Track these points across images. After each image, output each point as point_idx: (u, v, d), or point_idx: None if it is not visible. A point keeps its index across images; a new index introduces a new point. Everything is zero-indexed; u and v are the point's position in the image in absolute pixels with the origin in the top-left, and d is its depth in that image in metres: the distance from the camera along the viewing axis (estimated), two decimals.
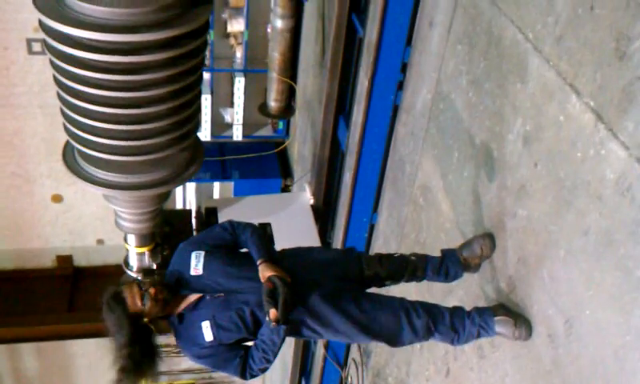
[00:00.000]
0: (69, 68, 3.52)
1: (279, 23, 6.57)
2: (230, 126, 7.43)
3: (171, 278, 2.68)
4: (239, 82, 7.19)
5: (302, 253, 2.89)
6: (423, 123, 3.68)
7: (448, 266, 2.95)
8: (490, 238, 2.88)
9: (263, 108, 7.26)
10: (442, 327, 2.72)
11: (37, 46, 6.71)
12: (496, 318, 2.67)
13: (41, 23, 3.48)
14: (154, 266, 4.61)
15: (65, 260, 8.51)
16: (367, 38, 3.94)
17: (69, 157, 4.17)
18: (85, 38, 3.35)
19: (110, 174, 3.98)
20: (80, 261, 8.63)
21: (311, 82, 6.32)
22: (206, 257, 2.64)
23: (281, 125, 7.67)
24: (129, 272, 4.65)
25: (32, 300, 8.21)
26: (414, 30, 3.80)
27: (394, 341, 2.76)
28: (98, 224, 8.27)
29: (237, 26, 7.25)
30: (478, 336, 2.73)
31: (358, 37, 4.72)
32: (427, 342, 2.94)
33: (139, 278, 2.86)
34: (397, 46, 3.88)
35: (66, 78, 3.58)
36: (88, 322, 7.80)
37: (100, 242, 8.44)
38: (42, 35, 6.02)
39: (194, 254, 2.65)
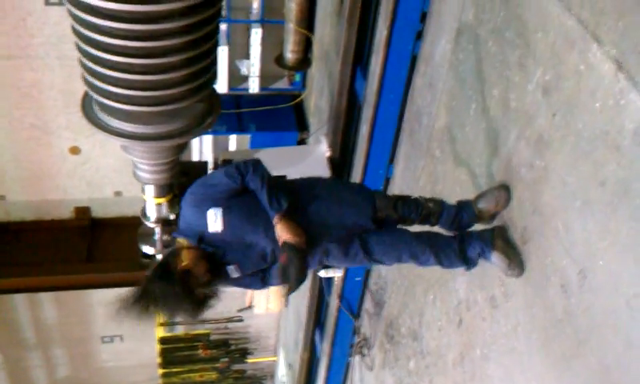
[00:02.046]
0: (87, 17, 3.51)
1: None
2: (246, 78, 7.40)
3: (193, 237, 2.68)
4: (256, 34, 7.12)
5: (317, 190, 2.86)
6: (442, 74, 3.65)
7: (462, 216, 2.97)
8: (505, 190, 2.88)
9: (280, 60, 7.21)
10: (447, 261, 2.89)
11: None
12: (494, 253, 2.82)
13: None
14: (172, 217, 4.67)
15: (83, 211, 8.63)
16: None
17: (87, 108, 4.20)
18: None
19: (127, 124, 3.99)
20: (98, 212, 8.75)
21: (328, 33, 6.25)
22: (223, 213, 2.65)
23: (297, 77, 7.63)
24: (146, 223, 4.72)
25: (51, 250, 8.39)
26: None
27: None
28: (116, 176, 8.35)
29: None
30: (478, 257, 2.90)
31: None
32: None
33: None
34: None
35: (84, 28, 3.57)
36: (106, 272, 7.98)
37: (118, 193, 8.53)
38: None
39: (211, 212, 2.65)
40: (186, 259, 2.59)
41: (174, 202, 4.71)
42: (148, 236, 4.85)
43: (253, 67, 7.27)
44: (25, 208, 8.46)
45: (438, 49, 3.71)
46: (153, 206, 4.67)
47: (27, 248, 8.37)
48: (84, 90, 4.13)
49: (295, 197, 2.73)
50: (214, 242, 2.69)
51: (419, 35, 3.94)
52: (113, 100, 3.83)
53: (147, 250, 4.80)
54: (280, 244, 2.61)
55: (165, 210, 4.67)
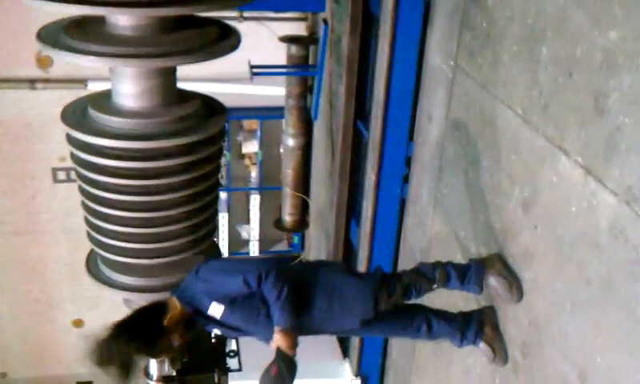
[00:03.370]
0: (91, 175, 3.76)
1: (291, 142, 6.92)
2: (246, 242, 7.62)
3: (189, 308, 2.72)
4: (255, 200, 7.46)
5: (322, 283, 2.84)
6: (429, 211, 3.83)
7: (469, 282, 2.98)
8: (519, 290, 2.84)
9: (279, 223, 7.47)
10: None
11: (61, 175, 7.07)
12: (482, 342, 3.00)
13: (68, 136, 3.76)
14: (174, 373, 4.62)
15: None
16: (372, 137, 4.18)
17: (91, 265, 4.34)
18: (107, 147, 3.61)
19: (128, 277, 4.12)
20: None
21: (323, 193, 6.54)
22: (225, 311, 2.69)
23: (296, 239, 7.84)
24: (149, 381, 4.66)
25: None
26: (415, 126, 4.05)
27: None
28: None
29: (251, 147, 7.65)
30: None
31: (364, 142, 4.98)
32: None
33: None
34: (400, 143, 4.11)
35: (89, 185, 3.81)
36: None
37: None
38: (65, 164, 6.39)
39: (214, 305, 2.68)
40: (168, 319, 2.61)
41: (176, 359, 4.68)
42: None
43: (253, 231, 7.51)
44: None
45: (424, 188, 3.93)
46: (155, 364, 4.63)
47: None
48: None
49: (303, 291, 2.76)
50: (208, 321, 2.75)
51: (406, 178, 4.18)
52: (113, 253, 3.98)
53: None
54: (274, 350, 2.60)
55: (167, 367, 4.64)
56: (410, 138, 4.09)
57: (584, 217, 2.34)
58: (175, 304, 2.72)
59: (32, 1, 3.06)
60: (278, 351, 2.60)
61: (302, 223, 7.46)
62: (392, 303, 2.84)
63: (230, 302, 2.71)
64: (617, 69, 2.14)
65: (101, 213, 3.87)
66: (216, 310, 2.70)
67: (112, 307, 8.11)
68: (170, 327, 2.65)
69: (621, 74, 2.13)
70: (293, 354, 2.61)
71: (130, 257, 4.02)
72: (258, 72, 6.13)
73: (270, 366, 2.60)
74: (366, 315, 2.81)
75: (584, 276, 2.34)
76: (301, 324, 2.68)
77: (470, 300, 3.23)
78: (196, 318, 2.74)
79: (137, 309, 2.81)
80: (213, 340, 5.21)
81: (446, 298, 3.46)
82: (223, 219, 7.29)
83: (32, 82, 6.68)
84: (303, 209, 7.39)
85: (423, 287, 2.90)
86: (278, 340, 2.62)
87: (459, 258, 3.43)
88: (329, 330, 2.92)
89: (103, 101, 3.80)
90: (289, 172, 7.10)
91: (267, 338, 2.68)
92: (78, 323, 8.05)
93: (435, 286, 2.92)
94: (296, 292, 2.70)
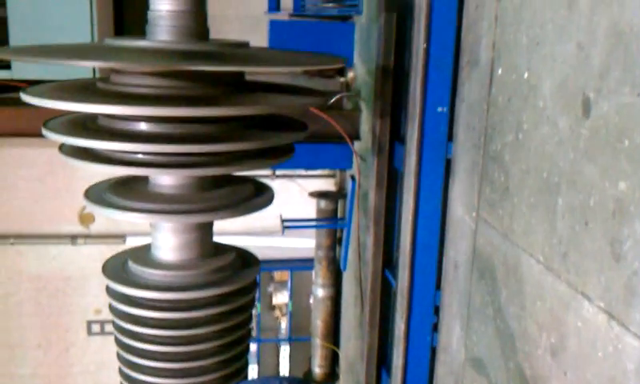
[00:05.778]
0: (127, 326, 3.88)
1: (320, 292, 7.04)
2: None
3: None
4: (284, 351, 7.45)
5: None
6: (460, 359, 3.83)
7: None
8: None
9: (308, 375, 7.39)
10: None
11: (96, 328, 7.20)
12: None
13: (107, 288, 3.93)
14: None
15: None
16: (400, 286, 4.28)
17: None
18: (146, 298, 3.76)
19: None
20: None
21: (353, 344, 6.53)
22: None
23: None
24: None
25: None
26: (442, 274, 4.15)
27: None
28: None
29: (281, 298, 7.75)
30: None
31: (393, 290, 5.07)
32: None
33: None
34: (427, 291, 4.20)
35: (125, 336, 3.92)
36: None
37: None
38: (101, 317, 6.56)
39: None
40: None
41: None
42: None
43: None
44: None
45: (453, 337, 3.96)
46: None
47: None
48: None
49: None
50: None
51: (435, 327, 4.22)
52: None
53: None
54: None
55: None
56: (438, 286, 4.18)
57: (611, 361, 2.37)
58: None
59: (77, 161, 3.34)
60: None
61: (332, 375, 7.37)
62: None
63: None
64: (629, 216, 2.27)
65: (135, 363, 3.96)
66: None
67: None
68: None
69: (633, 221, 2.26)
70: None
71: None
72: (289, 226, 6.39)
73: None
74: None
75: None
76: None
77: None
78: None
79: None
80: None
81: None
82: (253, 371, 7.25)
83: (73, 238, 7.02)
84: (333, 360, 7.34)
85: None
86: None
87: None
88: None
89: (142, 254, 4.02)
90: (318, 323, 7.14)
91: None
92: None
93: None
94: None
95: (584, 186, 2.56)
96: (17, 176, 6.79)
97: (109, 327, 5.84)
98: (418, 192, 3.98)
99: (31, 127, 5.43)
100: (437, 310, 4.20)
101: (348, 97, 6.19)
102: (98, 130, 3.14)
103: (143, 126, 3.03)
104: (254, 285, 4.27)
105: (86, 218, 7.00)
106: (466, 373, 3.76)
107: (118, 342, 4.13)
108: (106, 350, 6.94)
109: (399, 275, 4.40)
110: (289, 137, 3.17)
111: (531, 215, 2.97)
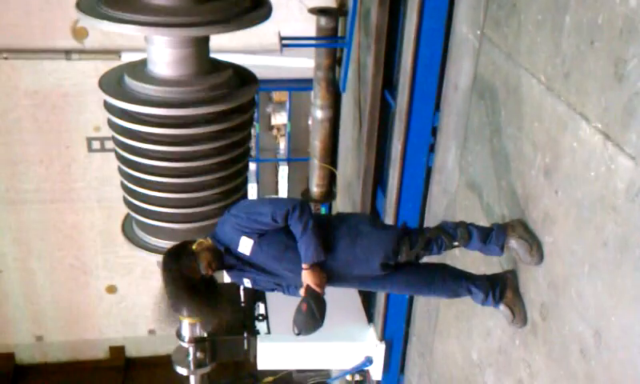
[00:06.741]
0: (126, 141, 3.92)
1: (319, 114, 7.02)
2: None
3: (220, 246, 2.91)
4: (283, 171, 7.61)
5: (349, 237, 2.95)
6: (454, 179, 3.91)
7: (490, 243, 3.06)
8: (539, 251, 2.90)
9: (306, 194, 7.60)
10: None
11: (96, 144, 7.28)
12: (501, 304, 3.10)
13: (105, 103, 3.92)
14: (205, 335, 4.81)
15: (117, 351, 8.75)
16: (399, 107, 4.26)
17: (127, 229, 4.54)
18: (142, 113, 3.76)
19: (162, 241, 4.31)
20: (131, 352, 8.86)
21: (350, 165, 6.65)
22: (254, 246, 2.85)
23: (323, 210, 7.97)
24: (181, 343, 4.85)
25: None
26: (441, 95, 4.11)
27: None
28: (150, 314, 8.52)
29: (280, 119, 7.77)
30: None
31: (391, 112, 5.06)
32: None
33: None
34: (426, 112, 4.18)
35: (125, 150, 3.98)
36: None
37: (152, 332, 8.68)
38: (100, 134, 6.53)
39: (244, 240, 2.86)
40: (197, 244, 2.85)
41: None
42: (182, 357, 4.95)
43: None
44: (61, 348, 8.62)
45: (449, 157, 4.01)
46: (187, 326, 4.83)
47: None
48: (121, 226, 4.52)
49: (327, 236, 2.90)
50: (239, 259, 2.93)
51: (432, 148, 4.26)
52: (148, 217, 4.17)
53: (181, 370, 4.88)
54: (304, 288, 2.77)
55: (198, 329, 4.83)
56: (437, 107, 4.16)
57: (602, 180, 2.41)
58: (207, 242, 2.93)
59: None
60: (307, 288, 2.76)
61: (329, 194, 7.58)
62: (413, 254, 2.95)
63: (259, 236, 2.87)
64: (637, 35, 2.20)
65: (135, 177, 4.05)
66: (245, 245, 2.86)
67: (144, 274, 8.41)
68: (198, 252, 2.84)
69: None
70: (321, 293, 2.76)
71: (163, 221, 4.20)
72: (287, 44, 6.23)
73: (300, 303, 2.77)
74: (387, 258, 2.92)
75: (601, 238, 2.42)
76: (325, 264, 2.83)
77: (494, 264, 3.33)
78: (226, 257, 2.92)
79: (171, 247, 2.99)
80: (242, 304, 5.40)
81: (469, 264, 3.57)
82: (252, 189, 7.45)
83: (68, 53, 6.86)
84: (331, 180, 7.51)
85: (444, 243, 3.00)
86: (306, 277, 2.78)
87: (482, 223, 3.51)
88: (352, 274, 3.00)
89: (138, 70, 3.96)
90: (317, 143, 7.21)
91: (294, 280, 2.83)
92: (111, 290, 8.34)
93: (456, 243, 3.01)
94: (322, 229, 2.87)
95: (593, 2, 2.45)
96: None
97: (109, 144, 5.88)
98: (422, 8, 3.82)
99: None
100: (434, 132, 4.21)
101: None
102: None
103: None
104: (252, 103, 4.25)
105: (79, 32, 6.81)
106: (459, 191, 3.85)
107: (118, 157, 4.18)
108: (107, 166, 7.06)
109: (399, 96, 4.37)
110: None
111: (537, 33, 2.88)
